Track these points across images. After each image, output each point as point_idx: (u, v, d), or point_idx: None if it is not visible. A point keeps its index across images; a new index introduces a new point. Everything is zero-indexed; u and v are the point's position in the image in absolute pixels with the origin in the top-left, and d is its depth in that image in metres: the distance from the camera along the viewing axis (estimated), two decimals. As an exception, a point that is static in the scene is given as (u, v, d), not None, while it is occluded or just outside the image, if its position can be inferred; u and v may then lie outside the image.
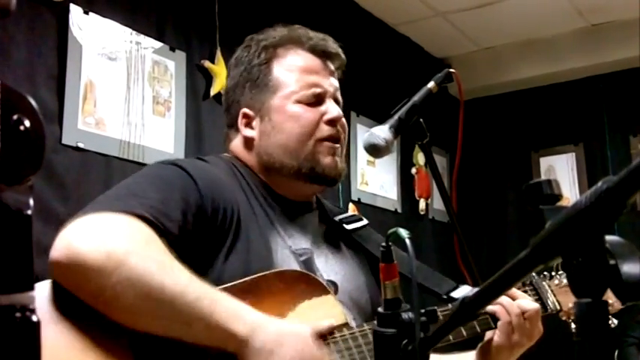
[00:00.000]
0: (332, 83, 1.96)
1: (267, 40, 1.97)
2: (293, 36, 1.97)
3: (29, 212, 0.63)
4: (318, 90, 1.92)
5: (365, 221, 2.10)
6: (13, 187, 0.62)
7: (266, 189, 1.91)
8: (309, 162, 1.90)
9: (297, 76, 1.92)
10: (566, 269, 0.82)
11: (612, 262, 0.79)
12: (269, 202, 1.89)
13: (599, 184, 0.76)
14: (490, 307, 1.85)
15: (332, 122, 1.92)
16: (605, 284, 0.79)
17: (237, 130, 1.97)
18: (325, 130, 1.91)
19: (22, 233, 0.63)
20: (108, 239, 1.48)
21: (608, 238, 0.81)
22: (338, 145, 1.94)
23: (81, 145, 3.32)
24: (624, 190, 0.75)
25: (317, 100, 1.92)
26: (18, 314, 0.62)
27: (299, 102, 1.91)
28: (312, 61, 1.95)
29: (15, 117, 0.62)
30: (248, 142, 1.95)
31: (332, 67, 1.98)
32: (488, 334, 1.89)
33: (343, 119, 1.96)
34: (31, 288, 0.64)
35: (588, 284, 0.79)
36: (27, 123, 0.63)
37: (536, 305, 1.87)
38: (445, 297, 1.84)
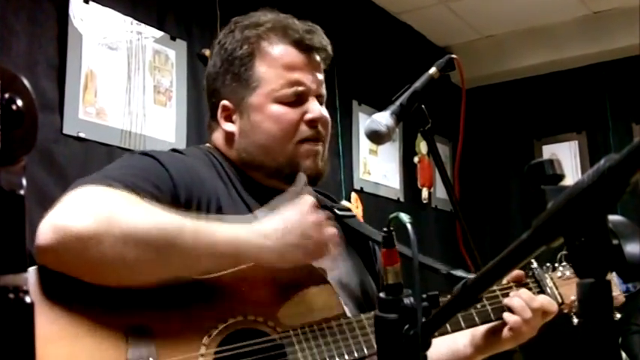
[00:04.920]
0: (315, 79, 1.90)
1: (251, 29, 1.91)
2: (278, 27, 1.90)
3: (22, 192, 0.62)
4: (300, 88, 1.86)
5: (352, 212, 2.08)
6: (6, 168, 0.62)
7: (245, 179, 1.88)
8: (289, 165, 1.86)
9: (279, 72, 1.86)
10: (569, 250, 0.81)
11: (615, 242, 0.78)
12: (248, 191, 1.86)
13: (602, 162, 0.75)
14: (508, 302, 1.85)
15: (312, 122, 1.87)
16: (608, 264, 0.78)
17: (218, 122, 1.93)
18: (305, 131, 1.86)
19: (15, 214, 0.62)
20: (89, 207, 1.46)
21: (611, 217, 0.80)
22: (319, 146, 1.89)
23: (82, 134, 3.32)
24: (627, 168, 0.74)
25: (298, 99, 1.86)
26: (11, 295, 0.62)
27: (279, 101, 1.85)
28: (296, 56, 1.88)
29: (7, 96, 0.61)
30: (228, 137, 1.91)
31: (317, 59, 1.91)
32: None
33: (326, 116, 1.91)
34: (25, 269, 0.63)
35: (591, 264, 0.78)
36: (19, 102, 0.62)
37: (555, 307, 1.89)
38: (445, 272, 1.84)
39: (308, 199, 1.66)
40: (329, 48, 1.94)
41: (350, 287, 1.87)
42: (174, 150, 1.90)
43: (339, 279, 1.85)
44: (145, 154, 1.75)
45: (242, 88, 1.88)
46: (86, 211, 1.45)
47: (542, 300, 1.88)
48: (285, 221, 1.61)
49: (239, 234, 1.57)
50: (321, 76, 1.92)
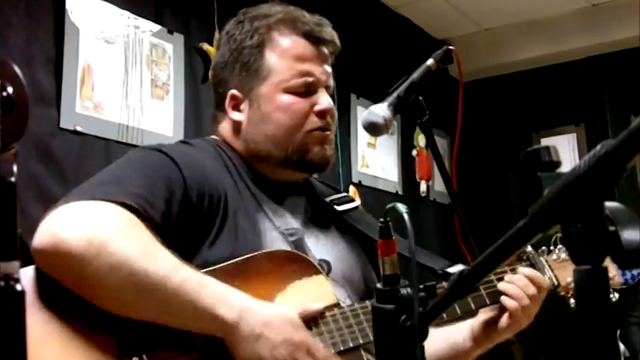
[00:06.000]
0: (324, 71, 1.92)
1: (261, 20, 1.92)
2: (288, 19, 1.91)
3: (13, 179, 0.62)
4: (309, 79, 1.88)
5: (357, 202, 2.09)
6: (-4, 155, 0.61)
7: (253, 172, 1.89)
8: (297, 153, 1.87)
9: (289, 63, 1.88)
10: (565, 236, 0.80)
11: (612, 228, 0.78)
12: (256, 184, 1.86)
13: (598, 147, 0.75)
14: (504, 287, 1.86)
15: (322, 114, 1.89)
16: (605, 251, 0.77)
17: (225, 112, 1.93)
18: (315, 121, 1.88)
19: (6, 201, 0.62)
20: (89, 226, 1.47)
21: (608, 204, 0.79)
22: (328, 133, 1.91)
23: (79, 128, 3.31)
24: (624, 153, 0.73)
25: (307, 90, 1.88)
26: (2, 283, 0.61)
27: (289, 91, 1.87)
28: (306, 48, 1.90)
29: (-3, 83, 0.61)
30: (235, 126, 1.92)
31: (326, 52, 1.93)
32: (481, 312, 1.90)
33: (334, 108, 1.93)
34: (15, 257, 0.63)
35: (588, 251, 0.78)
36: (10, 89, 0.61)
37: (546, 282, 1.90)
38: (440, 272, 1.84)
39: (305, 343, 1.58)
40: (337, 41, 1.96)
41: (353, 281, 1.87)
42: (183, 141, 1.91)
43: (343, 273, 1.85)
44: (155, 149, 1.75)
45: (251, 78, 1.89)
46: (85, 230, 1.46)
47: (535, 277, 1.88)
48: (273, 334, 1.55)
49: (220, 310, 1.52)
50: (329, 69, 1.95)
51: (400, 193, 5.52)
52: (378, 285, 1.24)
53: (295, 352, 1.54)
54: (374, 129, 1.90)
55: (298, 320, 1.59)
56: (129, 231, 1.51)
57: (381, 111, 1.88)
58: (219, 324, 1.51)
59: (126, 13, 3.65)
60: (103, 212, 1.50)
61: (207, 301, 1.50)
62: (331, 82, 1.95)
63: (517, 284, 1.86)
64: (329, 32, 1.94)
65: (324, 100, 1.89)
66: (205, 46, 4.02)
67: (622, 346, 4.71)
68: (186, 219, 1.65)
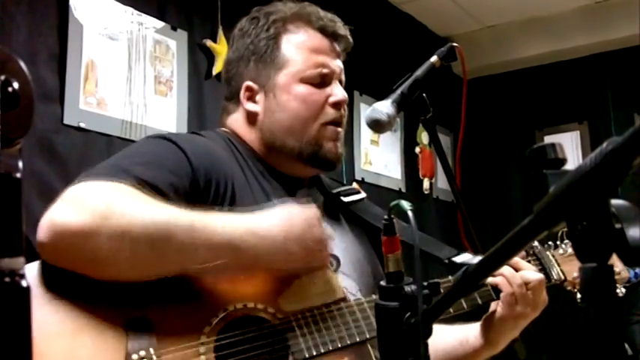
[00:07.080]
0: (338, 65, 1.95)
1: (277, 14, 1.95)
2: (303, 13, 1.94)
3: (18, 175, 0.62)
4: (325, 70, 1.90)
5: (363, 194, 2.09)
6: (2, 150, 0.61)
7: (262, 164, 1.90)
8: (312, 145, 1.88)
9: (305, 54, 1.90)
10: (570, 234, 0.80)
11: (618, 225, 0.77)
12: (266, 177, 1.87)
13: (604, 145, 0.74)
14: (492, 279, 1.85)
15: (337, 105, 1.91)
16: (611, 248, 0.77)
17: (238, 104, 1.94)
18: (330, 113, 1.90)
19: (12, 197, 0.62)
20: (86, 201, 1.45)
21: (614, 201, 0.79)
22: (340, 130, 1.93)
23: (83, 125, 3.31)
24: (630, 150, 0.73)
25: (323, 81, 1.90)
26: (7, 279, 0.61)
27: (305, 81, 1.89)
28: (321, 41, 1.93)
29: (2, 78, 0.60)
30: (250, 117, 1.93)
31: (338, 49, 1.96)
32: (492, 306, 1.89)
33: (346, 101, 1.94)
34: (21, 253, 0.62)
35: (593, 249, 0.77)
36: (15, 85, 0.61)
37: (539, 276, 1.88)
38: (447, 261, 1.83)
39: (316, 212, 1.65)
40: (350, 38, 1.99)
41: (362, 275, 1.88)
42: (193, 132, 1.92)
43: (352, 267, 1.86)
44: (163, 137, 1.75)
45: (268, 69, 1.91)
46: (83, 207, 1.44)
47: (524, 274, 1.87)
48: (291, 227, 1.59)
49: (236, 231, 1.55)
50: (341, 65, 1.97)
51: (403, 190, 5.52)
52: (382, 282, 1.24)
53: (311, 239, 1.61)
54: (377, 126, 1.90)
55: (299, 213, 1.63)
56: (126, 193, 1.50)
57: (384, 108, 1.88)
58: (241, 257, 1.54)
59: (129, 9, 3.65)
60: (98, 187, 1.50)
61: (220, 239, 1.52)
62: (344, 77, 1.97)
63: (504, 274, 1.85)
64: (343, 29, 1.97)
65: (338, 92, 1.91)
66: (209, 43, 4.02)
67: (625, 345, 4.71)
68: (194, 205, 1.65)
